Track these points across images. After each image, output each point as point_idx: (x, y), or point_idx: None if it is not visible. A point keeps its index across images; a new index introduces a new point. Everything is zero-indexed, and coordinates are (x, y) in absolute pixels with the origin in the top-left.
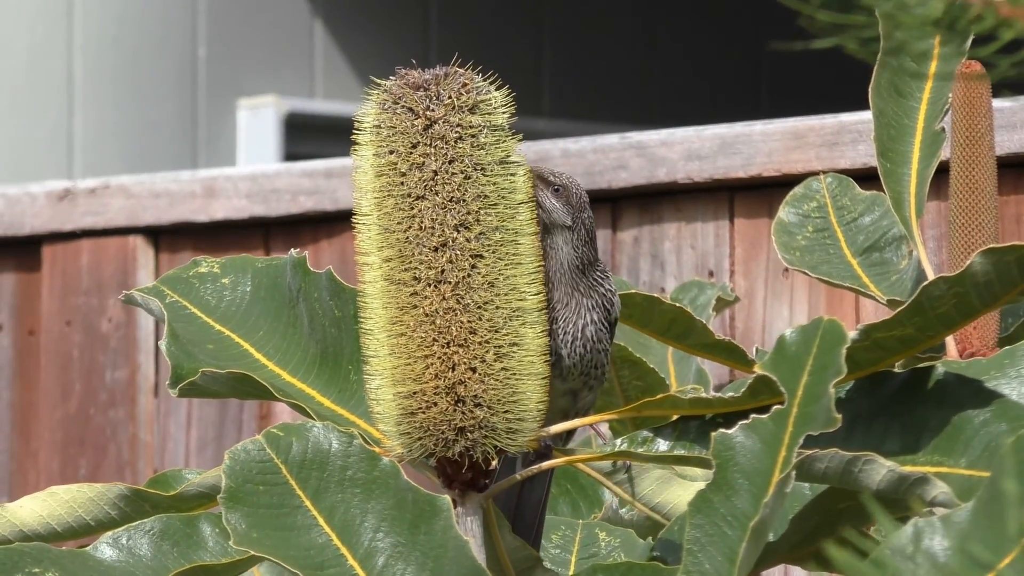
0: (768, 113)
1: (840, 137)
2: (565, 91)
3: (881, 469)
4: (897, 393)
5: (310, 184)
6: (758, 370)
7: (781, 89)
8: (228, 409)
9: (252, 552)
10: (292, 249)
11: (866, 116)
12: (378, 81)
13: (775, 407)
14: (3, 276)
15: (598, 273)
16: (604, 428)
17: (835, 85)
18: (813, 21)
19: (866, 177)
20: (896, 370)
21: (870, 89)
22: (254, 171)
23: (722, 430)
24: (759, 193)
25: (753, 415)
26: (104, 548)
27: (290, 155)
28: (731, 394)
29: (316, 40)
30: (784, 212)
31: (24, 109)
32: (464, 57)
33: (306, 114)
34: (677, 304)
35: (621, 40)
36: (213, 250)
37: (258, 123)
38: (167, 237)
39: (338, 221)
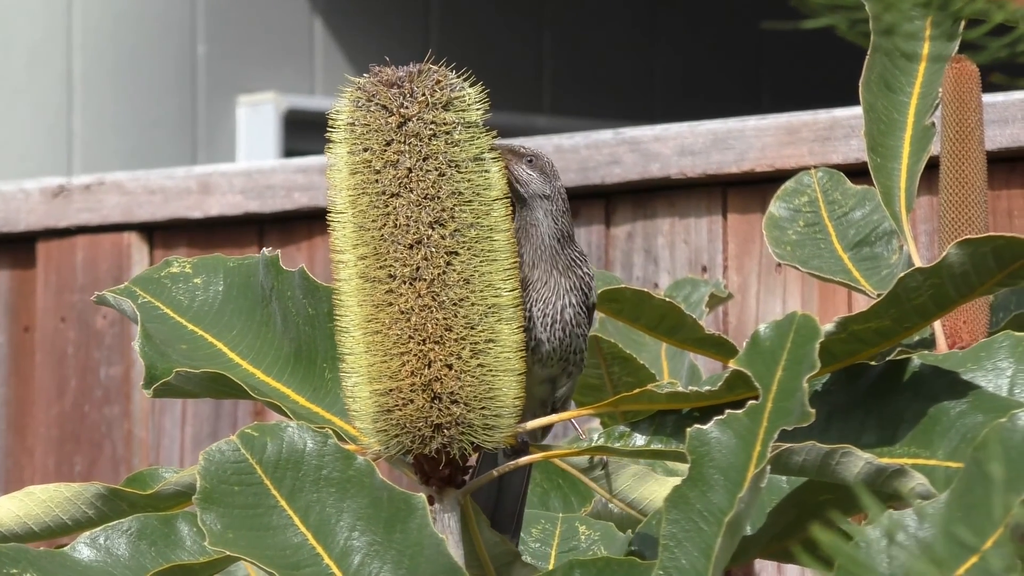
0: (769, 110)
1: (833, 132)
2: (565, 88)
3: (858, 462)
4: (874, 386)
5: (304, 180)
6: (732, 365)
7: (781, 87)
8: (223, 406)
9: (228, 552)
10: (264, 248)
11: (859, 111)
12: (352, 79)
13: (750, 402)
14: None
15: (576, 252)
16: (595, 423)
17: (834, 81)
18: (804, 2)
19: (859, 172)
20: (873, 363)
21: (860, 84)
22: (249, 167)
23: (697, 426)
24: (752, 188)
25: (728, 410)
26: (82, 548)
27: (289, 152)
28: (707, 388)
29: (316, 37)
30: (775, 207)
31: (23, 106)
32: (464, 54)
33: (306, 111)
34: (668, 299)
35: (622, 37)
36: (207, 246)
37: (258, 120)
38: (162, 234)
39: None
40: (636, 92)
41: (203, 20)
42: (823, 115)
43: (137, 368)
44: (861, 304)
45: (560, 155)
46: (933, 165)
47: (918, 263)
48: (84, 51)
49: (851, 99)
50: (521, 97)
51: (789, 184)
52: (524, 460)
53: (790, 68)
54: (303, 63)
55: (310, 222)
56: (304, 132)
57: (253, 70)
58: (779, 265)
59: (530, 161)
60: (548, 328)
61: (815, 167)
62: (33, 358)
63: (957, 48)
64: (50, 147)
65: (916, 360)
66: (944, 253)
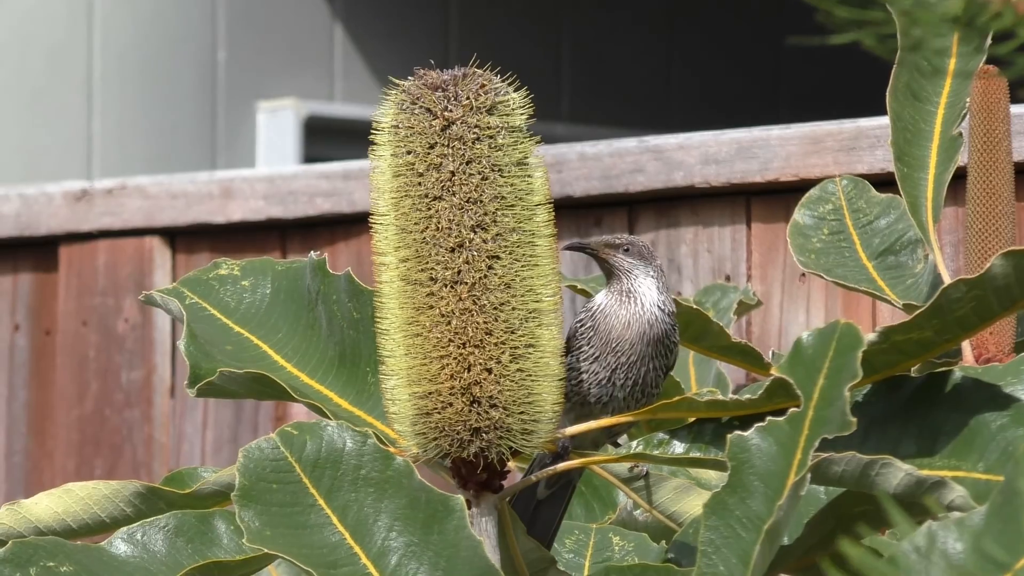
0: (787, 119)
1: (858, 142)
2: (584, 95)
3: (898, 473)
4: (913, 397)
5: (327, 186)
6: (775, 373)
7: (800, 95)
8: (244, 411)
9: (265, 550)
10: (312, 251)
11: (884, 121)
12: (397, 81)
13: (791, 410)
14: (20, 276)
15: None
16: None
17: (855, 91)
18: (831, 17)
19: (884, 182)
20: (912, 374)
21: (887, 93)
22: (271, 172)
23: (738, 432)
24: (776, 198)
25: (769, 418)
26: (119, 543)
27: (309, 158)
28: (747, 397)
29: (336, 43)
30: (799, 214)
31: (44, 111)
32: (483, 61)
33: (325, 117)
34: (694, 306)
35: (639, 46)
36: (229, 251)
37: (277, 126)
38: (184, 238)
39: (355, 223)
40: (653, 101)
41: (223, 26)
42: (848, 125)
43: (159, 373)
44: (884, 314)
45: (583, 163)
46: (958, 176)
47: (944, 273)
48: (105, 55)
49: (873, 110)
50: (539, 105)
51: (814, 192)
52: (563, 466)
53: (809, 78)
54: (323, 69)
55: (332, 228)
56: (324, 138)
57: (273, 76)
58: (803, 275)
59: (626, 250)
60: (630, 389)
61: (840, 176)
62: (54, 361)
63: (984, 61)
64: (71, 151)
65: (957, 372)
66: (988, 264)
